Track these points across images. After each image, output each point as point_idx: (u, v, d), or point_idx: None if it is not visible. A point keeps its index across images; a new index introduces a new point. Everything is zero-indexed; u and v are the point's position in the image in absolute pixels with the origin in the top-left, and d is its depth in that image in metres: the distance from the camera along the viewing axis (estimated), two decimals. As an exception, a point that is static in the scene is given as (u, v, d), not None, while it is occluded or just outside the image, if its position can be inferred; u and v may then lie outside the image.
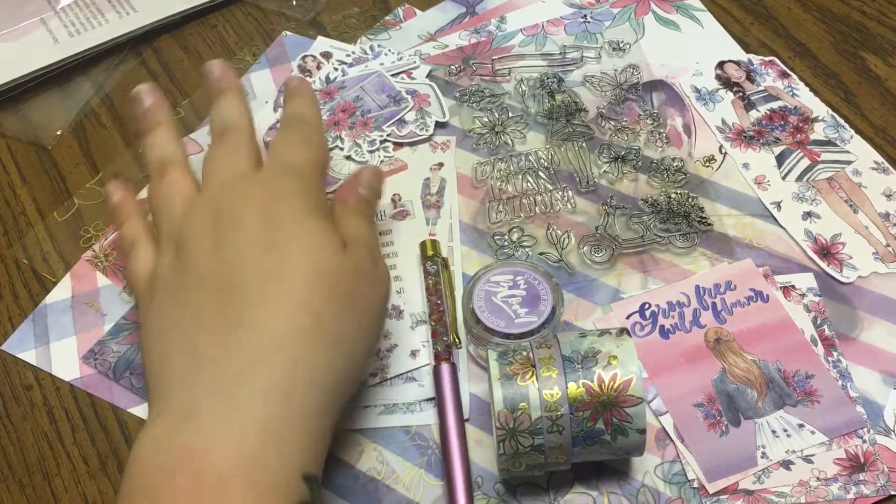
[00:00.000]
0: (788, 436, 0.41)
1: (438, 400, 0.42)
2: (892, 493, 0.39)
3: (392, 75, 0.56)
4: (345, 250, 0.38)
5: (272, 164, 0.40)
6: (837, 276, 0.46)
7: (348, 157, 0.52)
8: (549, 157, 0.52)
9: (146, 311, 0.38)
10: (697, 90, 0.55)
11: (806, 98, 0.54)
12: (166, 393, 0.34)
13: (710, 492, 0.40)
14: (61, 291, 0.48)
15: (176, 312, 0.36)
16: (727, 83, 0.55)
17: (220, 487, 0.30)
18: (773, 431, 0.41)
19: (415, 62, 0.57)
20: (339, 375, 0.35)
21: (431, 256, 0.46)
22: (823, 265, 0.46)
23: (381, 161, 0.52)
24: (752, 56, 0.56)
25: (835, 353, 0.43)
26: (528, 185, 0.50)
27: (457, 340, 0.44)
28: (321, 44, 0.59)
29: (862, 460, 0.40)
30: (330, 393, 0.35)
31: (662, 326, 0.45)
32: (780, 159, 0.51)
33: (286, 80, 0.46)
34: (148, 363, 0.37)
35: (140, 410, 0.44)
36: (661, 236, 0.48)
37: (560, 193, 0.50)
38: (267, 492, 0.31)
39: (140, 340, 0.39)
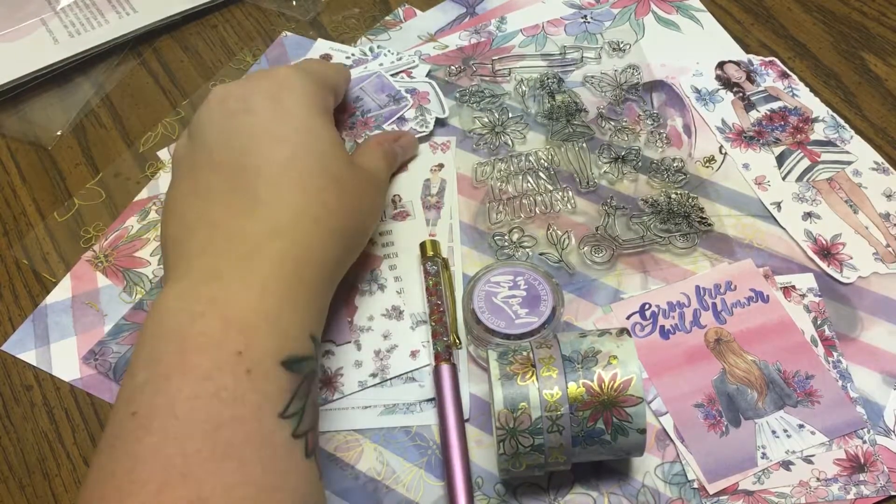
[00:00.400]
0: (788, 436, 0.41)
1: (438, 400, 0.42)
2: (893, 493, 0.39)
3: (391, 75, 0.56)
4: (353, 165, 0.42)
5: (285, 66, 0.44)
6: (837, 276, 0.46)
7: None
8: (550, 157, 0.52)
9: (168, 191, 0.41)
10: (697, 90, 0.55)
11: (806, 98, 0.54)
12: (186, 259, 0.37)
13: (711, 492, 0.40)
14: (61, 292, 0.48)
15: (193, 188, 0.39)
16: (727, 83, 0.55)
17: (246, 331, 0.33)
18: (774, 432, 0.41)
19: (414, 62, 0.57)
20: (338, 259, 0.40)
21: (431, 257, 0.46)
22: (823, 265, 0.46)
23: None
24: (752, 56, 0.56)
25: (835, 354, 0.43)
26: (529, 185, 0.50)
27: (457, 341, 0.44)
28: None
29: (862, 461, 0.40)
30: (331, 272, 0.39)
31: (663, 327, 0.45)
32: (781, 160, 0.51)
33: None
34: (166, 236, 0.39)
35: (140, 411, 0.44)
36: (661, 237, 0.48)
37: (560, 194, 0.50)
38: (285, 340, 0.34)
39: (161, 218, 0.41)
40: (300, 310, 0.36)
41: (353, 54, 0.58)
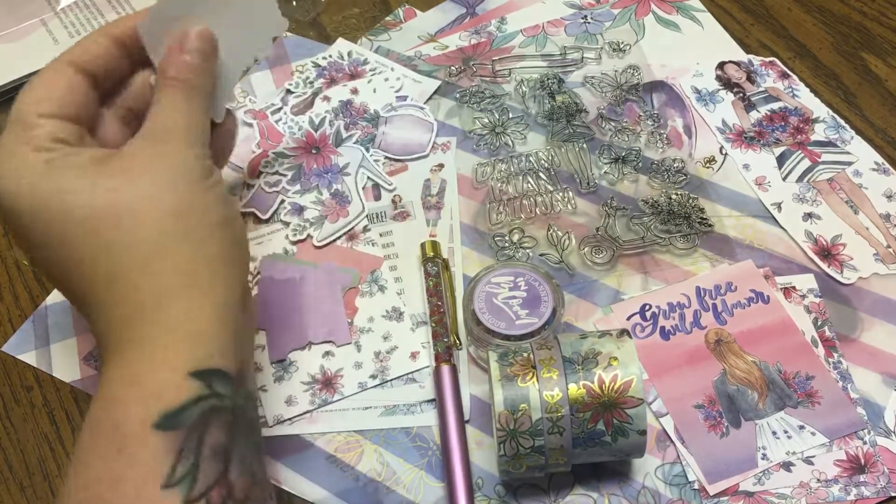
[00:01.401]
0: (789, 437, 0.41)
1: (439, 401, 0.42)
2: (893, 494, 0.39)
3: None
4: (112, 160, 0.34)
5: None
6: (838, 277, 0.46)
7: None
8: (550, 158, 0.52)
9: None
10: (698, 91, 0.55)
11: (806, 99, 0.54)
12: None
13: (711, 493, 0.40)
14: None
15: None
16: (727, 84, 0.55)
17: (112, 401, 0.31)
18: (774, 433, 0.41)
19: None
20: (189, 266, 0.34)
21: (432, 258, 0.46)
22: (824, 266, 0.46)
23: (382, 162, 0.52)
24: (752, 57, 0.56)
25: (835, 355, 0.43)
26: (529, 186, 0.50)
27: (457, 342, 0.44)
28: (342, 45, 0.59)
29: (862, 462, 0.40)
30: (185, 287, 0.33)
31: (663, 328, 0.45)
32: (781, 160, 0.51)
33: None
34: None
35: (140, 412, 0.44)
36: (661, 237, 0.48)
37: (561, 194, 0.50)
38: (150, 398, 0.31)
39: None
40: (162, 355, 0.32)
41: (361, 54, 0.58)
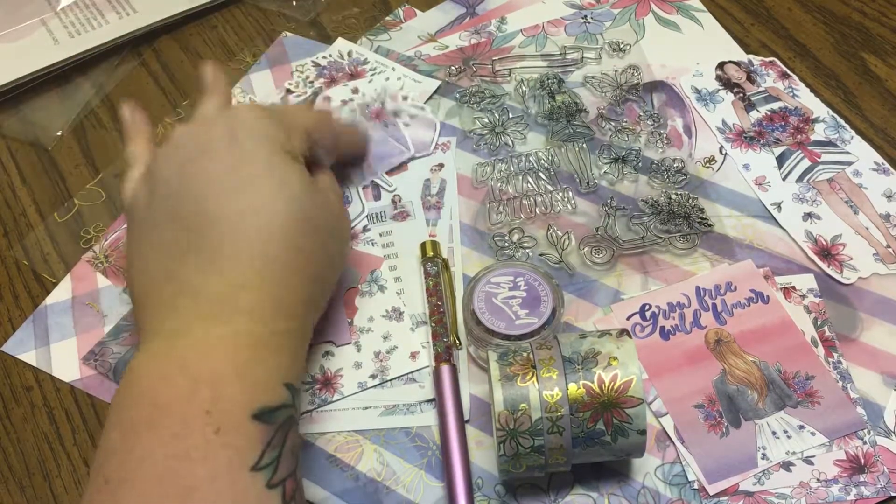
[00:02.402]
0: (789, 437, 0.41)
1: (439, 401, 0.42)
2: (893, 494, 0.39)
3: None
4: (313, 186, 0.39)
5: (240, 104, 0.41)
6: (838, 277, 0.46)
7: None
8: (550, 157, 0.52)
9: (128, 242, 0.40)
10: (698, 91, 0.55)
11: (806, 99, 0.54)
12: (156, 319, 0.37)
13: (711, 493, 0.40)
14: (61, 292, 0.48)
15: (155, 241, 0.38)
16: (727, 84, 0.55)
17: (215, 388, 0.33)
18: (774, 433, 0.41)
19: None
20: (312, 300, 0.39)
21: (431, 257, 0.46)
22: (824, 266, 0.46)
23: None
24: (752, 57, 0.56)
25: (835, 355, 0.43)
26: (529, 185, 0.50)
27: (457, 342, 0.44)
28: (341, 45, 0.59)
29: (862, 462, 0.40)
30: (304, 315, 0.38)
31: (663, 327, 0.45)
32: (781, 160, 0.51)
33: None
34: (133, 292, 0.39)
35: (140, 411, 0.44)
36: (661, 237, 0.48)
37: (560, 194, 0.50)
38: (256, 393, 0.34)
39: (125, 271, 0.40)
40: (273, 360, 0.35)
41: (360, 54, 0.58)
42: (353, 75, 0.57)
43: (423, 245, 0.47)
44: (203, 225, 0.36)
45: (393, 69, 0.57)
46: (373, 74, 0.57)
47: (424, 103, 0.55)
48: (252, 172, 0.37)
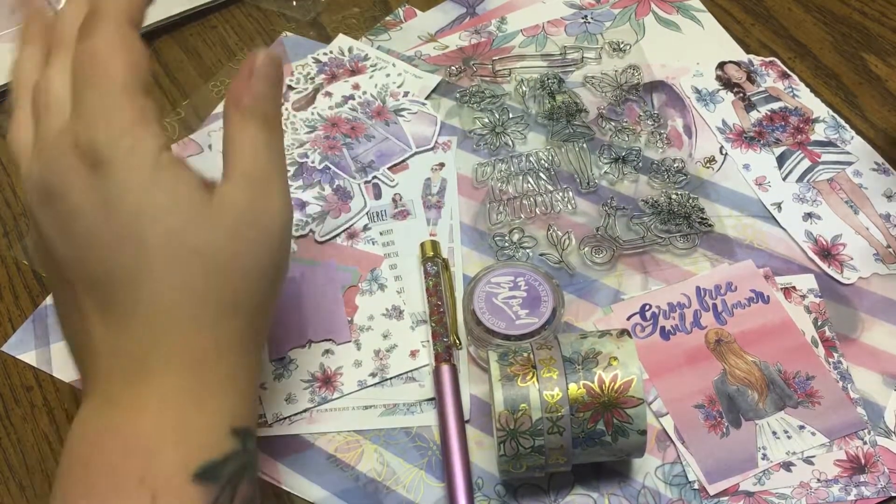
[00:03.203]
0: (789, 437, 0.41)
1: (439, 401, 0.42)
2: (893, 494, 0.39)
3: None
4: (212, 207, 0.32)
5: (78, 102, 0.32)
6: (838, 277, 0.46)
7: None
8: (550, 157, 0.52)
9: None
10: (698, 91, 0.55)
11: (806, 99, 0.54)
12: (87, 380, 0.34)
13: (711, 493, 0.40)
14: (61, 292, 0.48)
15: (62, 304, 0.35)
16: (728, 84, 0.55)
17: (146, 454, 0.30)
18: (774, 433, 0.41)
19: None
20: (245, 330, 0.34)
21: (432, 257, 0.46)
22: (824, 266, 0.46)
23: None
24: (752, 57, 0.56)
25: (835, 355, 0.43)
26: (529, 185, 0.50)
27: (457, 342, 0.44)
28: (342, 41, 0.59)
29: (863, 462, 0.40)
30: (239, 349, 0.33)
31: (663, 327, 0.45)
32: (781, 160, 0.51)
33: None
34: (67, 349, 0.36)
35: (140, 411, 0.44)
36: (661, 237, 0.48)
37: (561, 194, 0.50)
38: (193, 448, 0.31)
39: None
40: (211, 408, 0.32)
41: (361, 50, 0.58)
42: (354, 71, 0.57)
43: (423, 245, 0.47)
44: (101, 286, 0.32)
45: (393, 65, 0.57)
46: (373, 70, 0.57)
47: (425, 99, 0.55)
48: (128, 216, 0.31)
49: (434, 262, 0.46)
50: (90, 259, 0.31)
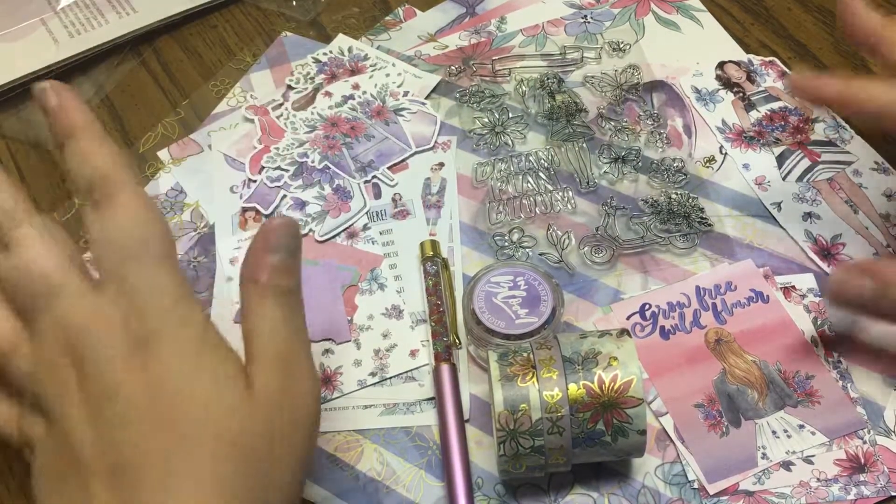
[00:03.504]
0: (789, 436, 0.41)
1: (438, 401, 0.42)
2: (893, 493, 0.39)
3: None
4: (250, 394, 0.31)
5: (117, 277, 0.31)
6: (838, 276, 0.46)
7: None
8: (550, 157, 0.52)
9: (36, 489, 0.32)
10: (698, 91, 0.55)
11: (806, 98, 0.54)
12: None
13: (711, 493, 0.40)
14: (61, 292, 0.48)
15: (52, 495, 0.31)
16: (727, 84, 0.55)
17: None
18: (774, 432, 0.41)
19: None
20: None
21: (431, 257, 0.46)
22: (824, 266, 0.46)
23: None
24: (752, 56, 0.56)
25: (835, 354, 0.43)
26: (529, 185, 0.50)
27: (457, 341, 0.44)
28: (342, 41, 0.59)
29: (862, 461, 0.40)
30: None
31: (663, 327, 0.45)
32: (781, 160, 0.51)
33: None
34: None
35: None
36: (661, 237, 0.48)
37: (560, 194, 0.50)
38: None
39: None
40: None
41: (361, 50, 0.58)
42: (354, 71, 0.57)
43: (422, 244, 0.47)
44: (123, 477, 0.29)
45: (393, 65, 0.57)
46: (373, 70, 0.57)
47: (425, 99, 0.55)
48: (169, 401, 0.30)
49: (433, 262, 0.46)
50: (123, 442, 0.30)
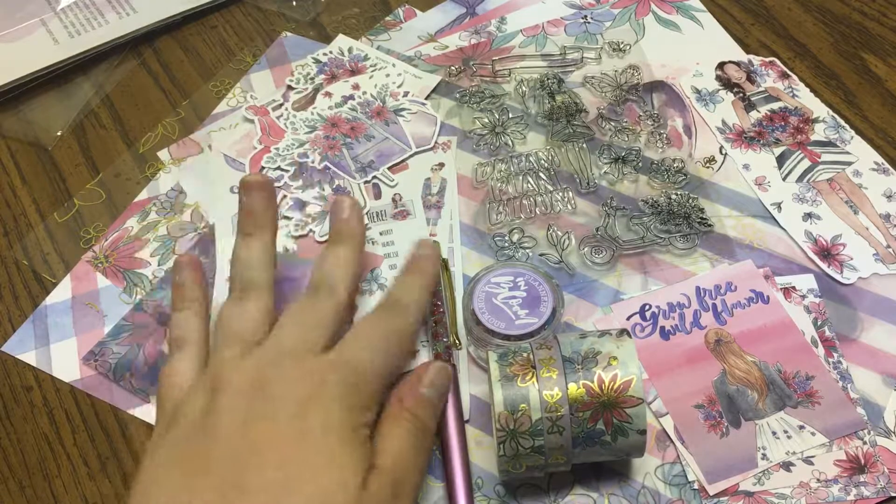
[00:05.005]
0: (789, 437, 0.41)
1: (439, 401, 0.42)
2: (893, 494, 0.39)
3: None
4: (365, 485, 0.34)
5: (335, 354, 0.37)
6: (838, 277, 0.46)
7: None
8: (550, 158, 0.52)
9: (154, 449, 0.36)
10: (698, 91, 0.55)
11: (806, 99, 0.54)
12: None
13: (711, 493, 0.40)
14: (61, 292, 0.48)
15: (187, 476, 0.34)
16: (727, 84, 0.55)
17: None
18: (774, 433, 0.41)
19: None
20: None
21: (432, 257, 0.46)
22: (824, 266, 0.46)
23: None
24: (752, 57, 0.56)
25: (835, 355, 0.43)
26: (529, 186, 0.50)
27: (457, 342, 0.44)
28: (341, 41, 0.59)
29: (862, 462, 0.40)
30: None
31: (663, 327, 0.45)
32: (781, 160, 0.51)
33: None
34: None
35: (140, 412, 0.44)
36: (661, 237, 0.48)
37: (560, 194, 0.50)
38: None
39: (138, 478, 0.35)
40: None
41: (365, 52, 0.58)
42: (354, 71, 0.57)
43: (423, 245, 0.47)
44: (239, 475, 0.33)
45: (393, 65, 0.57)
46: (373, 70, 0.57)
47: (425, 99, 0.55)
48: (302, 448, 0.34)
49: (434, 262, 0.46)
50: (254, 452, 0.34)
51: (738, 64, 0.56)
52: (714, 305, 0.45)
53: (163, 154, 0.54)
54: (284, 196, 0.51)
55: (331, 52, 0.58)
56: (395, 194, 0.51)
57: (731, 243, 0.48)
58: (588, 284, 0.47)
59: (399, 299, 0.40)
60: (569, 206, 0.49)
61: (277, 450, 0.33)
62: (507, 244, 0.48)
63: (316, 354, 0.37)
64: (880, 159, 0.51)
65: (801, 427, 0.41)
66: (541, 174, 0.51)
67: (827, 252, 0.47)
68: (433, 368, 0.39)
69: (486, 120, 0.54)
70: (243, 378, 0.36)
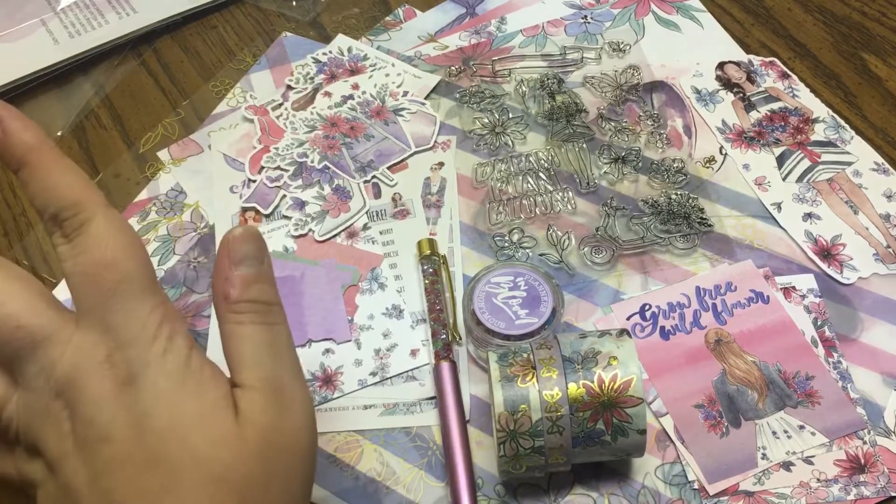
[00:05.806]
0: (789, 437, 0.41)
1: (439, 398, 0.42)
2: (893, 494, 0.39)
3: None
4: (239, 424, 0.30)
5: (98, 312, 0.30)
6: (838, 277, 0.46)
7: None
8: (550, 158, 0.52)
9: None
10: (698, 91, 0.55)
11: (806, 99, 0.54)
12: None
13: (711, 493, 0.40)
14: (61, 292, 0.48)
15: None
16: (727, 84, 0.55)
17: None
18: (774, 433, 0.41)
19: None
20: None
21: (428, 255, 0.46)
22: (824, 266, 0.46)
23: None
24: (752, 57, 0.56)
25: (835, 355, 0.43)
26: (529, 186, 0.50)
27: (457, 337, 0.44)
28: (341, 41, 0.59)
29: (862, 461, 0.40)
30: None
31: (663, 327, 0.45)
32: (781, 160, 0.51)
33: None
34: None
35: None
36: (661, 237, 0.48)
37: (560, 194, 0.50)
38: None
39: None
40: None
41: (365, 53, 0.58)
42: (354, 71, 0.57)
43: (419, 243, 0.47)
44: None
45: (393, 65, 0.57)
46: (373, 70, 0.57)
47: (424, 99, 0.55)
48: (157, 440, 0.29)
49: (431, 261, 0.46)
50: (117, 485, 0.29)
51: (738, 64, 0.56)
52: (714, 305, 0.45)
53: (163, 154, 0.54)
54: (284, 195, 0.51)
55: (330, 52, 0.58)
56: (394, 194, 0.51)
57: (731, 243, 0.48)
58: (588, 284, 0.47)
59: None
60: (569, 206, 0.49)
61: (133, 468, 0.29)
62: (507, 244, 0.48)
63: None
64: (880, 159, 0.51)
65: (801, 427, 0.41)
66: (541, 174, 0.51)
67: (827, 252, 0.47)
68: (233, 240, 0.32)
69: (486, 120, 0.54)
70: (52, 420, 0.30)
